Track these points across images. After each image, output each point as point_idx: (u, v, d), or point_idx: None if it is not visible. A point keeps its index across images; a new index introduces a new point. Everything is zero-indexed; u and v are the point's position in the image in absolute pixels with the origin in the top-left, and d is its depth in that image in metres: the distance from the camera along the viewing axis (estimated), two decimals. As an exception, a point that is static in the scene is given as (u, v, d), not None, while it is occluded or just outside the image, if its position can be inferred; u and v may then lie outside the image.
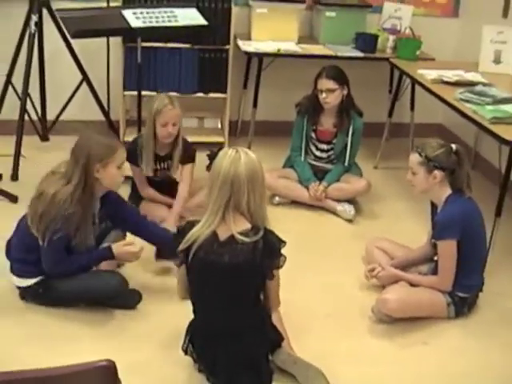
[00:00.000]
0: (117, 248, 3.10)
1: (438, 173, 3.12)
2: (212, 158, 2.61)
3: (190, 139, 3.99)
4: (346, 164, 4.33)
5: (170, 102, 3.68)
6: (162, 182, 3.94)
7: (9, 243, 3.16)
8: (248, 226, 2.52)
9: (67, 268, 3.05)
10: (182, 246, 2.56)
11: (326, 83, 4.15)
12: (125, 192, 4.09)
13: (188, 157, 3.84)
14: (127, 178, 4.33)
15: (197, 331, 2.70)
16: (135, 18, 4.08)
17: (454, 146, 3.14)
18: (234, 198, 2.48)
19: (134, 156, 3.75)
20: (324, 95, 4.16)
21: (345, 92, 4.20)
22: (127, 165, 3.57)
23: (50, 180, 2.98)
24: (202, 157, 3.72)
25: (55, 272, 3.04)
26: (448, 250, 3.12)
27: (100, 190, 3.05)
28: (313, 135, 4.35)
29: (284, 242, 2.58)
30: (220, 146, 4.74)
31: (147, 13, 4.14)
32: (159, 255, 3.46)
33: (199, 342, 2.69)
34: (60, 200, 2.88)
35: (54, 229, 2.89)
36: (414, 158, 3.18)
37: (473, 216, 3.18)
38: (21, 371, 1.43)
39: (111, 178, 3.02)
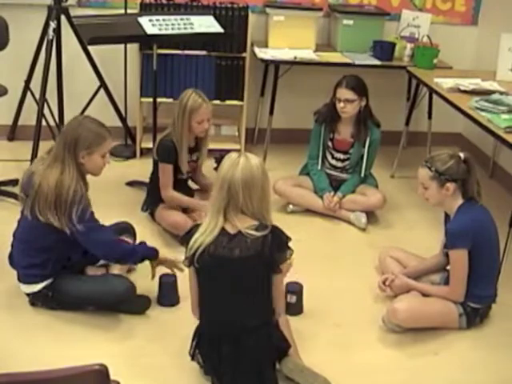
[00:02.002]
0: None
1: (450, 185, 3.08)
2: (219, 161, 2.67)
3: (207, 146, 4.08)
4: (362, 175, 4.30)
5: (203, 100, 3.79)
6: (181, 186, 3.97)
7: (10, 255, 3.15)
8: (254, 222, 2.57)
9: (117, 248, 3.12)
10: (187, 253, 2.62)
11: (345, 93, 4.12)
12: (135, 196, 4.13)
13: None
14: (139, 183, 4.39)
15: (203, 335, 2.71)
16: (151, 25, 4.11)
17: (462, 155, 3.10)
18: (233, 200, 2.54)
19: (172, 155, 3.80)
20: (342, 105, 4.13)
21: (363, 103, 4.17)
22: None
23: (41, 168, 2.96)
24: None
25: (110, 249, 3.08)
26: (459, 259, 3.08)
27: (85, 173, 3.09)
28: (330, 144, 4.33)
29: (290, 238, 2.62)
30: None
31: (163, 20, 4.18)
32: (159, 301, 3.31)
33: (205, 346, 2.70)
34: (67, 186, 2.88)
35: (81, 208, 2.89)
36: (424, 172, 3.13)
37: (484, 225, 3.13)
38: (12, 373, 1.43)
39: (94, 165, 3.04)
